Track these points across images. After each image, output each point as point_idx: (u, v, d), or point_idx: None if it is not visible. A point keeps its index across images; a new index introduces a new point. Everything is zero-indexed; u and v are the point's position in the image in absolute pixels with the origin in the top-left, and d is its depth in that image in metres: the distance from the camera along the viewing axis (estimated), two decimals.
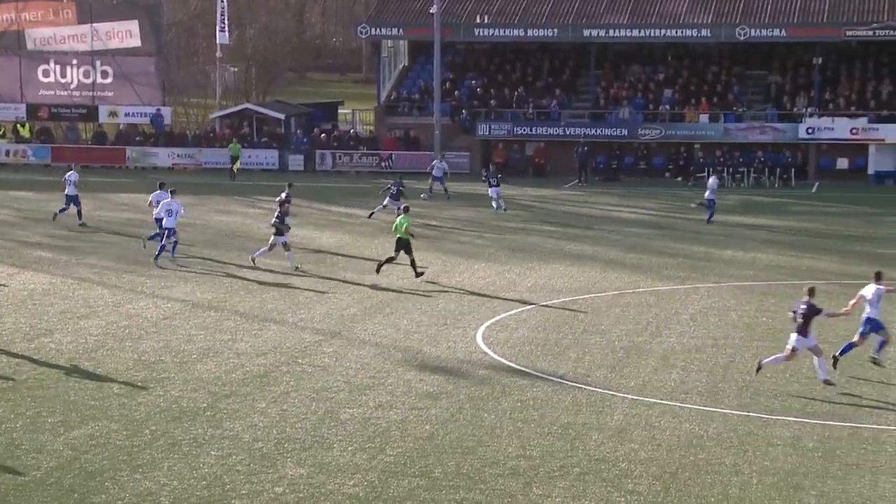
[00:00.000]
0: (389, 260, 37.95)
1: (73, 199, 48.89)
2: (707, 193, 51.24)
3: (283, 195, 43.56)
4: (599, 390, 25.49)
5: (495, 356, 28.36)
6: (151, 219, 43.02)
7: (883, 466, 20.92)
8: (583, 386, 25.82)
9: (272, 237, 39.08)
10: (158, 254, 40.16)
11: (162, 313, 32.70)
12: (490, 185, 53.89)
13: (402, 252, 37.47)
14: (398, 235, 37.63)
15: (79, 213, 49.00)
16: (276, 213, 39.76)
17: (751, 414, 23.76)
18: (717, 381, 26.18)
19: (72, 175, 49.19)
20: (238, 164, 66.37)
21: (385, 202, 49.80)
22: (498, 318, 32.48)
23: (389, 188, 50.13)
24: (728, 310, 33.45)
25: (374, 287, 36.36)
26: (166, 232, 40.52)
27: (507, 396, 25.01)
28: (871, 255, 42.83)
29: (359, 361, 27.80)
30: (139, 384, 25.81)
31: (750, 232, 48.65)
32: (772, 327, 31.33)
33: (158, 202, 42.08)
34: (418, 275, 37.20)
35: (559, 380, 26.27)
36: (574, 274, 38.86)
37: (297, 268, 38.48)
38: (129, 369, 27.03)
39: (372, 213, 50.32)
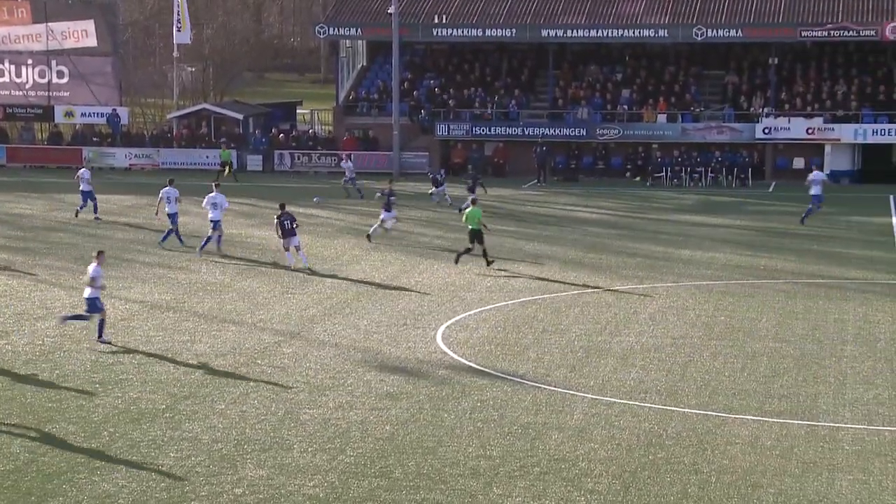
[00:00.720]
0: (467, 251, 39.61)
1: (88, 195, 50.24)
2: (813, 189, 50.70)
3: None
4: (559, 390, 25.55)
5: (455, 356, 28.38)
6: (162, 216, 44.36)
7: (840, 464, 21.07)
8: (543, 385, 25.87)
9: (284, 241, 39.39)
10: (204, 245, 41.84)
11: (119, 314, 32.52)
12: (436, 185, 55.28)
13: (476, 242, 39.43)
14: (471, 227, 39.25)
15: (94, 207, 50.45)
16: (277, 220, 39.45)
17: (709, 413, 23.89)
18: (676, 380, 26.30)
19: (85, 173, 51.01)
20: (229, 170, 64.62)
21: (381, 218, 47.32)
22: (458, 318, 32.50)
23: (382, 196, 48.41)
24: (686, 309, 33.60)
25: (333, 287, 36.32)
26: (212, 224, 41.87)
27: (468, 396, 25.03)
28: (827, 255, 43.17)
29: (318, 362, 27.76)
30: (97, 386, 25.68)
31: (707, 231, 48.89)
32: (730, 326, 31.49)
33: (169, 198, 43.54)
34: (489, 263, 39.11)
35: (519, 379, 26.32)
36: (534, 273, 38.93)
37: (309, 268, 38.84)
38: (87, 371, 26.88)
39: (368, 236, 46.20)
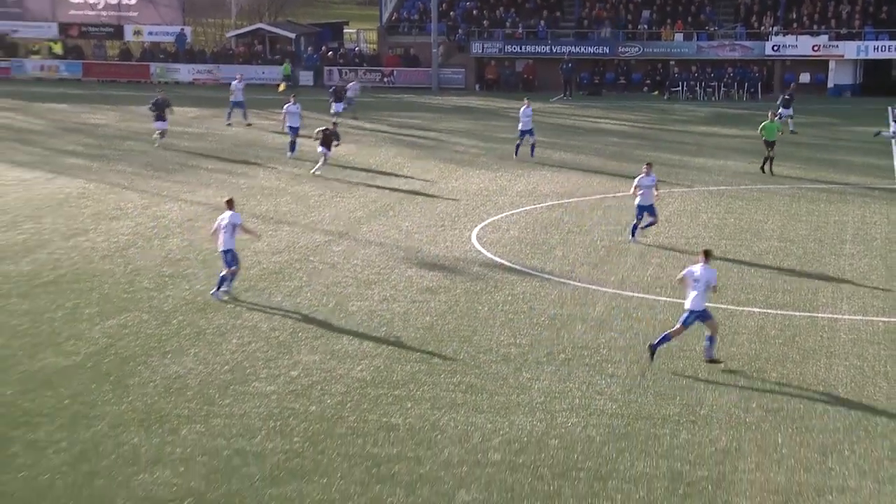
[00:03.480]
0: (769, 160, 39.51)
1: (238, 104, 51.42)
2: None
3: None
4: (583, 285, 25.63)
5: (488, 254, 28.47)
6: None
7: (837, 351, 21.13)
8: (568, 281, 25.95)
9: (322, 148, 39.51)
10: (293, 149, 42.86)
11: (186, 215, 32.74)
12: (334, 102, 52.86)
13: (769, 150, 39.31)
14: (767, 138, 39.31)
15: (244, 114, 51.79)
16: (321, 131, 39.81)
17: (719, 305, 23.90)
18: None
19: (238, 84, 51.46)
20: (284, 84, 64.19)
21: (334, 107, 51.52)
22: (490, 219, 32.54)
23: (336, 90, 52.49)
24: (699, 212, 33.50)
25: (378, 192, 36.37)
26: (291, 131, 43.05)
27: (500, 290, 25.15)
28: (829, 162, 42.84)
29: (365, 259, 27.91)
30: (167, 279, 25.94)
31: (719, 141, 48.55)
32: (738, 227, 31.42)
33: (291, 113, 43.61)
34: (762, 171, 39.58)
35: (546, 275, 26.41)
36: (560, 180, 38.85)
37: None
38: (157, 265, 27.15)
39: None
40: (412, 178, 38.99)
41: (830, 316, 23.39)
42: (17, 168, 40.62)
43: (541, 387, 19.29)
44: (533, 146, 42.91)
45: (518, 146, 43.02)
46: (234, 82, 52.27)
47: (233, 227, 24.43)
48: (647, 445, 17.01)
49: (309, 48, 72.52)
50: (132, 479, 15.87)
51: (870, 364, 20.49)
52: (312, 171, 39.36)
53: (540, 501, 15.26)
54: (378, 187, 37.26)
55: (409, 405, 18.49)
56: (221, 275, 24.34)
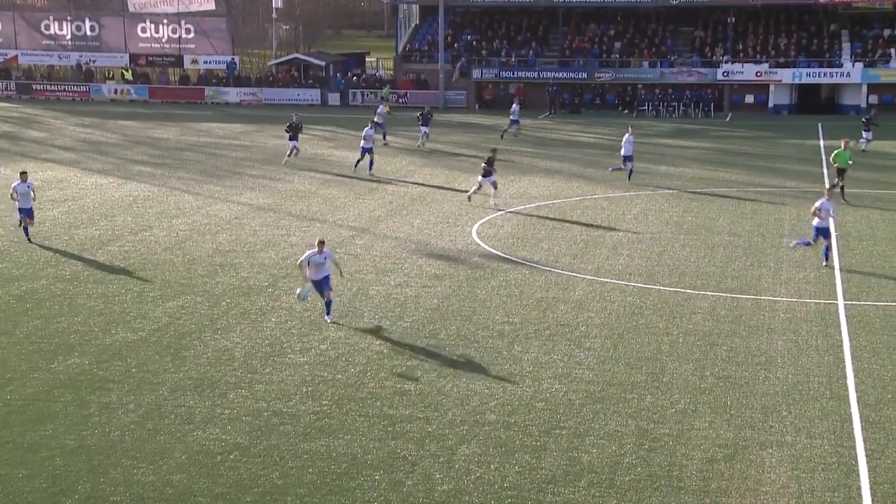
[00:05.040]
0: (841, 188, 34.61)
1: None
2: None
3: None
4: (565, 272, 25.51)
5: (486, 247, 28.34)
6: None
7: (776, 328, 21.00)
8: (552, 269, 25.83)
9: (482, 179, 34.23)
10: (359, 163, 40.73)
11: (233, 214, 32.62)
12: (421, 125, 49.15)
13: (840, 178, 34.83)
14: (840, 165, 34.85)
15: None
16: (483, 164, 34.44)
17: (678, 290, 23.82)
18: (653, 265, 26.19)
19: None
20: (388, 107, 61.64)
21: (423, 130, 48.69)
22: (488, 218, 32.40)
23: (420, 116, 49.25)
24: (662, 211, 33.34)
25: (394, 194, 36.23)
26: (363, 151, 40.20)
27: (495, 277, 25.03)
28: (770, 169, 42.63)
29: (382, 251, 27.80)
30: (217, 267, 25.85)
31: (679, 151, 48.32)
32: (695, 224, 31.25)
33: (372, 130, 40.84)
34: (842, 196, 34.28)
35: (534, 264, 26.28)
36: (546, 184, 38.68)
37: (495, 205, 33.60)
38: (209, 256, 27.05)
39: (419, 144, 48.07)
40: (422, 183, 38.85)
41: (771, 298, 23.25)
42: (94, 175, 40.52)
43: (529, 358, 19.18)
44: (631, 171, 38.05)
45: (627, 171, 38.09)
46: (380, 107, 47.77)
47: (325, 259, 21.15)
48: (618, 407, 16.89)
49: (337, 74, 72.28)
50: (188, 435, 15.78)
51: (804, 338, 20.36)
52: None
53: (529, 454, 15.16)
54: (393, 191, 37.12)
55: (419, 374, 18.39)
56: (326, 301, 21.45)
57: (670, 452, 15.21)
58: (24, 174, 29.25)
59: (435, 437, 15.75)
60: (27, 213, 28.62)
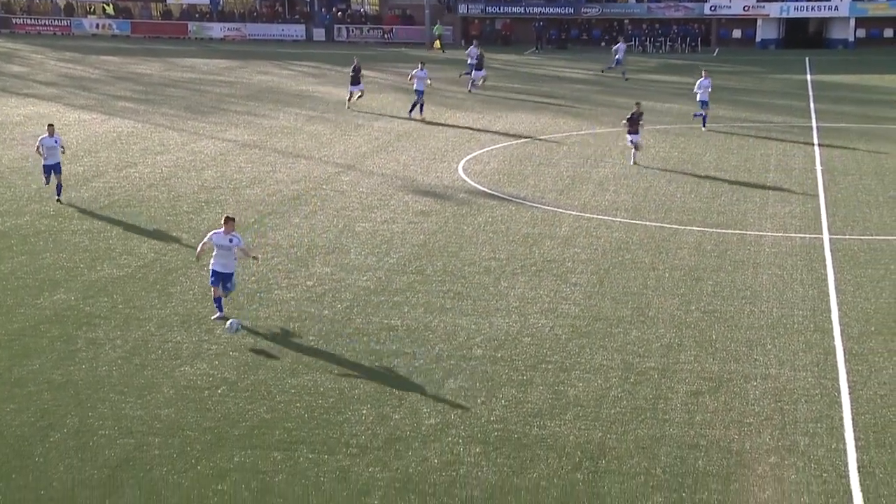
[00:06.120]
0: None
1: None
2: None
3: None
4: (551, 208, 25.48)
5: (472, 183, 28.26)
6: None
7: (762, 262, 21.08)
8: (539, 205, 25.80)
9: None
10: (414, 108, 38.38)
11: (218, 150, 32.41)
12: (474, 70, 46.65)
13: None
14: None
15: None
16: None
17: (664, 225, 23.83)
18: (639, 201, 26.18)
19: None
20: (440, 43, 60.09)
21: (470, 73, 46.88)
22: (474, 154, 32.27)
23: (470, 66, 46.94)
24: (648, 147, 33.22)
25: (380, 130, 36.02)
26: (417, 93, 38.15)
27: (481, 213, 24.99)
28: (756, 104, 42.50)
29: (369, 187, 27.70)
30: (203, 204, 25.72)
31: (666, 87, 48.09)
32: (681, 160, 31.20)
33: (420, 78, 38.34)
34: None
35: (521, 200, 26.24)
36: (532, 120, 38.49)
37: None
38: (195, 193, 26.92)
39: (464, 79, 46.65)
40: (408, 119, 38.59)
41: (756, 233, 23.31)
42: (77, 110, 40.12)
43: (516, 294, 19.22)
44: (705, 117, 36.18)
45: (704, 117, 36.15)
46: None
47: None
48: (604, 342, 16.98)
49: (322, 9, 71.43)
50: (175, 370, 15.82)
51: (788, 272, 20.45)
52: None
53: (515, 388, 15.25)
54: (379, 127, 36.89)
55: (406, 309, 18.42)
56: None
57: (655, 385, 15.33)
58: (51, 126, 26.09)
59: (422, 371, 15.82)
60: (55, 169, 25.60)
